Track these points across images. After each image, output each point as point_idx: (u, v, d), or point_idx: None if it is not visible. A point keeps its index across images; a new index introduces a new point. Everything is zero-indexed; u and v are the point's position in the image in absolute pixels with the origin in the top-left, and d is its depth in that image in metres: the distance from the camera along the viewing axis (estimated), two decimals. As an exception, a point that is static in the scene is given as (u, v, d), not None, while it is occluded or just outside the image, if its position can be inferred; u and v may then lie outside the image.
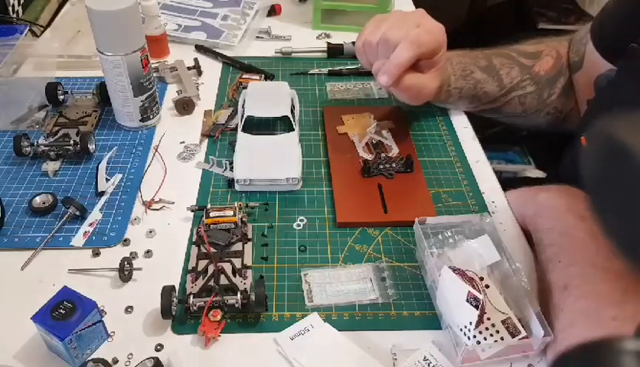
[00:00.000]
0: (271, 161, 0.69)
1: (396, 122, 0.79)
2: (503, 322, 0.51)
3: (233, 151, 0.71)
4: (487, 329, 0.51)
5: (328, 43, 0.95)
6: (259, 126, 0.74)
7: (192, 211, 0.64)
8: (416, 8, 1.09)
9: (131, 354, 0.51)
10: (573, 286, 0.51)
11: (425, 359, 0.51)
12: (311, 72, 0.91)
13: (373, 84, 0.89)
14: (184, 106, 0.81)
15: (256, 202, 0.66)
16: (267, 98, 0.76)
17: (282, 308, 0.55)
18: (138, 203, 0.67)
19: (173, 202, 0.67)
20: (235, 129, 0.76)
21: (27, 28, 0.90)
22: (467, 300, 0.49)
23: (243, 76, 0.87)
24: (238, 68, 0.91)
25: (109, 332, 0.53)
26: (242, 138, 0.72)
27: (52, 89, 0.79)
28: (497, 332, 0.51)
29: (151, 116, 0.78)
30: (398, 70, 0.66)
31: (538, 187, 0.65)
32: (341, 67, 0.91)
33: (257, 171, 0.68)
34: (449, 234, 0.59)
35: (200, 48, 0.96)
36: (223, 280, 0.55)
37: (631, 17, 0.65)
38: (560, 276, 0.53)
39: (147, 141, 0.76)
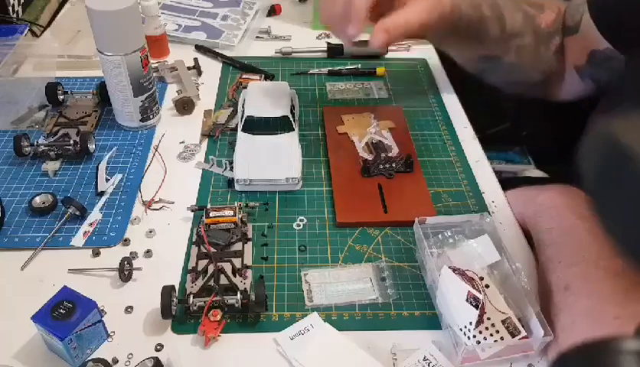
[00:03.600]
0: (271, 161, 0.69)
1: (396, 122, 0.79)
2: (503, 322, 0.51)
3: (233, 150, 0.71)
4: (487, 329, 0.51)
5: (328, 44, 0.95)
6: (259, 126, 0.74)
7: (192, 211, 0.64)
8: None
9: (131, 354, 0.51)
10: (574, 286, 0.51)
11: (425, 359, 0.51)
12: (311, 72, 0.91)
13: (373, 84, 0.89)
14: (184, 106, 0.81)
15: (256, 202, 0.66)
16: (267, 98, 0.76)
17: (282, 308, 0.55)
18: (138, 203, 0.67)
19: (173, 202, 0.67)
20: (235, 129, 0.76)
21: (27, 28, 0.90)
22: (467, 300, 0.49)
23: (243, 76, 0.87)
24: (238, 68, 0.91)
25: (109, 332, 0.53)
26: (242, 138, 0.72)
27: (52, 89, 0.79)
28: (497, 332, 0.51)
29: (151, 116, 0.78)
30: (359, 18, 0.62)
31: (538, 187, 0.65)
32: (341, 67, 0.91)
33: (257, 171, 0.68)
34: (449, 234, 0.59)
35: (200, 48, 0.96)
36: (223, 280, 0.55)
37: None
38: (561, 276, 0.53)
39: (147, 141, 0.76)
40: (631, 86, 0.62)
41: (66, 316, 0.48)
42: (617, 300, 0.48)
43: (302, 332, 0.53)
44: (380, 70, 0.90)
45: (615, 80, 0.69)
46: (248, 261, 0.58)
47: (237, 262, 0.57)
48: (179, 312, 0.54)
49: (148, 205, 0.66)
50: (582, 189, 0.58)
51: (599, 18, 0.70)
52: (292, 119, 0.74)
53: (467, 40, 0.77)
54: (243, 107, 0.75)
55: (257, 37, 1.00)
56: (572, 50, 0.76)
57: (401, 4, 0.66)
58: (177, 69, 0.88)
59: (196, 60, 0.92)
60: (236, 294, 0.53)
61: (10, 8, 0.94)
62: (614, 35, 0.68)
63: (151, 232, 0.63)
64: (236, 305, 0.53)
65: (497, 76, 0.83)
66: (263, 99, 0.76)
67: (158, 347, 0.52)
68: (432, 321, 0.55)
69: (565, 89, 0.82)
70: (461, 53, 0.82)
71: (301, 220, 0.65)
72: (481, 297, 0.49)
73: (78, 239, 0.62)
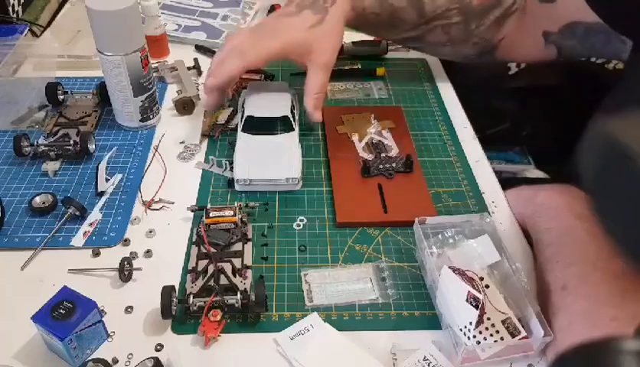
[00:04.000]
0: (271, 161, 0.69)
1: (396, 122, 0.79)
2: (503, 322, 0.51)
3: (233, 151, 0.71)
4: (487, 329, 0.51)
5: (328, 43, 0.95)
6: (259, 126, 0.74)
7: (192, 211, 0.64)
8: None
9: (131, 354, 0.51)
10: (571, 286, 0.51)
11: (425, 359, 0.51)
12: (311, 72, 0.91)
13: (373, 84, 0.89)
14: (184, 106, 0.81)
15: (256, 202, 0.66)
16: (267, 98, 0.76)
17: (282, 308, 0.55)
18: (138, 203, 0.67)
19: (173, 202, 0.67)
20: (235, 129, 0.76)
21: (27, 28, 0.90)
22: (467, 300, 0.49)
23: (243, 76, 0.87)
24: (238, 68, 0.91)
25: (109, 332, 0.53)
26: (242, 138, 0.72)
27: (52, 89, 0.79)
28: (497, 332, 0.51)
29: (151, 116, 0.78)
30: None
31: (537, 187, 0.65)
32: (341, 67, 0.91)
33: (257, 171, 0.68)
34: (449, 234, 0.59)
35: (200, 48, 0.96)
36: (223, 280, 0.55)
37: None
38: (559, 276, 0.53)
39: (147, 141, 0.76)
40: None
41: (66, 316, 0.48)
42: (614, 301, 0.48)
43: (302, 332, 0.53)
44: (380, 70, 0.90)
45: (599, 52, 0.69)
46: (248, 261, 0.58)
47: (237, 262, 0.57)
48: (179, 312, 0.54)
49: (148, 205, 0.66)
50: (581, 188, 0.58)
51: (601, 7, 0.68)
52: (292, 119, 0.74)
53: (381, 29, 0.79)
54: (243, 107, 0.76)
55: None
56: (542, 17, 0.75)
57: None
58: (177, 69, 0.88)
59: (196, 60, 0.92)
60: (236, 294, 0.53)
61: (10, 8, 0.94)
62: (604, 10, 0.66)
63: (151, 232, 0.63)
64: (236, 305, 0.53)
65: (428, 52, 0.84)
66: (263, 99, 0.76)
67: (158, 347, 0.52)
68: (432, 321, 0.55)
69: (522, 53, 0.81)
70: (381, 37, 0.82)
71: (301, 220, 0.65)
72: (481, 297, 0.49)
73: (78, 239, 0.62)
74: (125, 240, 0.62)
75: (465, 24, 0.77)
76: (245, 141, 0.72)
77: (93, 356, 0.51)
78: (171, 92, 0.85)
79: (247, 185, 0.68)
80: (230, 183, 0.70)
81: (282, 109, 0.74)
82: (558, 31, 0.73)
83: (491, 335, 0.51)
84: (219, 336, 0.52)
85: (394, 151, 0.74)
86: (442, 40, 0.79)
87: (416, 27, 0.78)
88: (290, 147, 0.71)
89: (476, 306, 0.48)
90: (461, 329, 0.50)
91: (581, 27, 0.70)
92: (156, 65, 0.89)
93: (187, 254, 0.60)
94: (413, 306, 0.56)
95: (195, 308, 0.53)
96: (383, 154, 0.73)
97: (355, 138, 0.76)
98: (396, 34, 0.79)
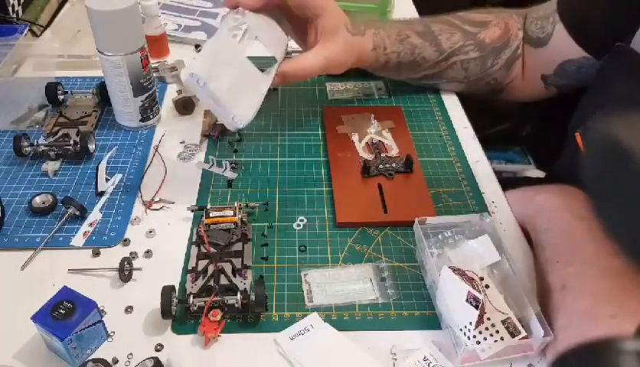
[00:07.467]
0: (234, 83, 0.60)
1: (396, 122, 0.79)
2: (503, 322, 0.51)
3: (234, 151, 0.71)
4: (487, 329, 0.51)
5: (328, 43, 0.95)
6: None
7: (192, 211, 0.64)
8: (417, 8, 1.10)
9: (131, 354, 0.51)
10: (571, 285, 0.51)
11: (425, 359, 0.51)
12: (311, 72, 0.91)
13: (373, 84, 0.89)
14: (184, 106, 0.81)
15: (256, 203, 0.66)
16: (266, 33, 0.69)
17: (282, 308, 0.55)
18: (138, 203, 0.67)
19: (173, 203, 0.67)
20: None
21: (27, 28, 0.90)
22: (467, 300, 0.49)
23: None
24: (238, 68, 0.91)
25: (109, 332, 0.53)
26: (226, 36, 0.63)
27: (52, 89, 0.79)
28: (497, 332, 0.51)
29: (151, 116, 0.78)
30: None
31: (537, 187, 0.65)
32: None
33: (216, 81, 0.58)
34: (449, 234, 0.59)
35: (200, 48, 0.96)
36: (223, 280, 0.55)
37: (616, 16, 0.65)
38: (559, 276, 0.53)
39: (147, 141, 0.76)
40: (621, 87, 0.63)
41: (66, 316, 0.48)
42: (613, 299, 0.48)
43: (302, 332, 0.53)
44: (380, 70, 0.90)
45: (590, 82, 0.71)
46: (248, 261, 0.58)
47: (237, 262, 0.57)
48: (179, 312, 0.54)
49: (148, 205, 0.66)
50: (581, 188, 0.58)
51: (571, 27, 0.72)
52: (275, 61, 0.68)
53: (403, 69, 0.80)
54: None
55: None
56: (539, 62, 0.78)
57: (314, 38, 0.70)
58: (177, 69, 0.88)
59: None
60: (236, 294, 0.53)
61: (10, 8, 0.94)
62: (587, 41, 0.70)
63: (151, 232, 0.63)
64: (236, 305, 0.53)
65: (441, 87, 0.86)
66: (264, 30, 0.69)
67: (158, 347, 0.52)
68: (432, 321, 0.55)
69: (523, 93, 0.84)
70: (403, 78, 0.84)
71: (301, 220, 0.65)
72: (481, 297, 0.49)
73: (78, 239, 0.62)
74: (125, 240, 0.62)
75: (482, 60, 0.79)
76: (227, 40, 0.63)
77: (93, 356, 0.51)
78: (171, 92, 0.85)
79: (200, 86, 0.57)
80: (230, 183, 0.69)
81: (275, 48, 0.68)
82: (553, 73, 0.76)
83: (491, 335, 0.51)
84: (219, 336, 0.52)
85: (394, 151, 0.74)
86: (459, 76, 0.81)
87: (436, 65, 0.79)
88: (259, 81, 0.64)
89: (476, 307, 0.48)
90: (461, 329, 0.50)
91: (572, 64, 0.73)
92: (156, 65, 0.89)
93: (187, 255, 0.60)
94: (413, 307, 0.56)
95: (195, 308, 0.53)
96: (383, 154, 0.73)
97: (355, 137, 0.76)
98: (417, 73, 0.81)
